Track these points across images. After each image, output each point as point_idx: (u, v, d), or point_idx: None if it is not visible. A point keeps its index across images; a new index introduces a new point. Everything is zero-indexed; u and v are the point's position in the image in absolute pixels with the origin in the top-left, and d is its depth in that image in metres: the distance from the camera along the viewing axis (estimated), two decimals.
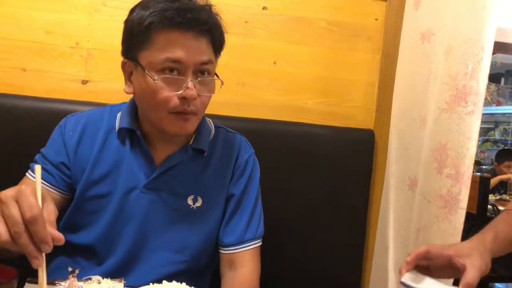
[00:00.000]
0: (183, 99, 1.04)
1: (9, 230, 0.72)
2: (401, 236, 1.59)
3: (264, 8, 1.72)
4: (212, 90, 1.10)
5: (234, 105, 1.73)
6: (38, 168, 0.80)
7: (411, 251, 0.97)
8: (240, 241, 1.22)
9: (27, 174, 1.17)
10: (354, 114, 1.81)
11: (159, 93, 1.04)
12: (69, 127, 1.17)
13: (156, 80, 1.02)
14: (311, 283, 1.70)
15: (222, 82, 1.11)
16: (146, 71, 1.03)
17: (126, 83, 1.12)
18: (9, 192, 0.74)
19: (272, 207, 1.36)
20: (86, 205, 1.16)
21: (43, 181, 1.12)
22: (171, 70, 1.03)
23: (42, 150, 1.19)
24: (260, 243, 1.25)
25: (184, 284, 0.95)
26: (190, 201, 1.18)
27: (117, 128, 1.16)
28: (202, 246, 1.22)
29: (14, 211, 0.72)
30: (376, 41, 1.80)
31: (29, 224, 0.72)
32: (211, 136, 1.23)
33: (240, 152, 1.24)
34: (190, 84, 1.03)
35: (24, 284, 0.97)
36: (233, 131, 1.30)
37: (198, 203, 1.19)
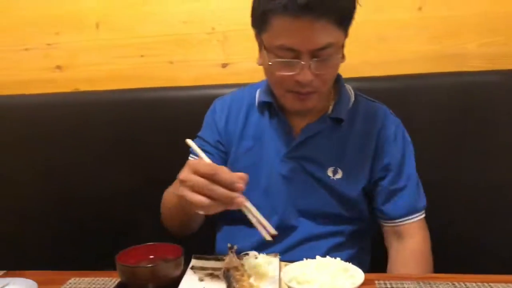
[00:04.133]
0: (297, 81, 1.03)
1: (204, 195, 0.84)
2: None
3: None
4: (333, 67, 1.07)
5: (377, 64, 1.58)
6: (190, 141, 0.98)
7: None
8: (406, 214, 1.17)
9: (189, 158, 1.27)
10: None
11: (274, 73, 1.06)
12: (218, 109, 1.27)
13: (270, 63, 1.04)
14: (482, 257, 1.45)
15: (343, 57, 1.07)
16: (265, 51, 1.06)
17: (259, 53, 1.13)
18: (183, 172, 0.87)
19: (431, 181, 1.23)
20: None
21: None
22: (287, 52, 1.01)
23: (198, 134, 1.29)
24: (424, 214, 1.19)
25: (338, 259, 0.90)
26: (330, 173, 1.16)
27: (256, 102, 1.22)
28: (347, 215, 1.20)
29: (196, 178, 0.84)
30: None
31: (214, 177, 0.83)
32: (350, 104, 1.19)
33: (385, 124, 1.18)
34: (304, 67, 1.01)
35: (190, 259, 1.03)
36: (374, 100, 1.24)
37: (339, 175, 1.16)
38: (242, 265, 0.97)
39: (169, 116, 1.55)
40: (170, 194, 1.18)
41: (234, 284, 0.88)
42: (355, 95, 1.22)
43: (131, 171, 1.47)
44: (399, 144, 1.18)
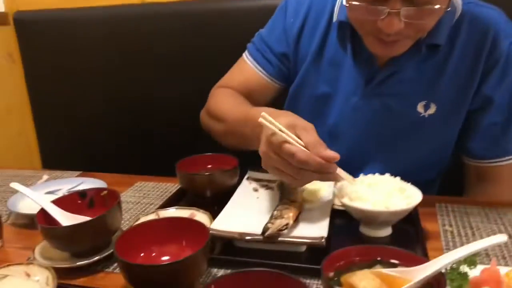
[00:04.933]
0: (381, 28, 0.84)
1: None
2: None
3: None
4: (433, 15, 0.85)
5: None
6: (264, 120, 0.77)
7: None
8: (497, 155, 1.02)
9: (244, 57, 1.16)
10: None
11: (351, 14, 0.90)
12: (291, 10, 1.08)
13: (346, 4, 0.87)
14: None
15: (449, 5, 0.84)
16: None
17: None
18: (268, 149, 0.78)
19: None
20: (303, 106, 1.11)
21: (262, 71, 1.13)
22: None
23: (261, 32, 1.14)
24: None
25: (397, 178, 0.86)
26: (420, 108, 1.00)
27: (335, 19, 1.02)
28: (432, 159, 1.07)
29: (285, 166, 0.77)
30: None
31: (306, 166, 0.75)
32: (453, 21, 0.96)
33: (496, 38, 0.94)
34: (392, 14, 0.81)
35: (246, 172, 1.05)
36: (485, 4, 0.98)
37: (431, 111, 0.99)
38: None
39: (235, 24, 1.50)
40: (236, 115, 1.02)
41: (287, 195, 0.89)
42: (464, 3, 0.96)
43: (196, 81, 1.48)
44: (510, 71, 0.96)
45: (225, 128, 1.08)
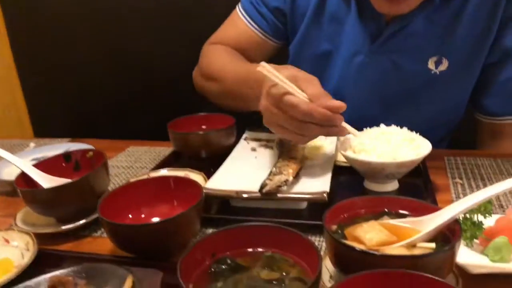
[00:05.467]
0: None
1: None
2: None
3: None
4: None
5: None
6: (263, 68, 0.72)
7: None
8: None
9: (237, 10, 1.08)
10: None
11: None
12: None
13: None
14: None
15: None
16: None
17: None
18: (268, 103, 0.72)
19: None
20: (303, 65, 1.02)
21: (255, 26, 1.06)
22: None
23: None
24: None
25: (405, 129, 0.79)
26: (431, 65, 0.93)
27: None
28: (444, 119, 1.01)
29: (288, 121, 0.71)
30: None
31: (309, 119, 0.70)
32: None
33: None
34: None
35: (243, 132, 1.00)
36: None
37: (443, 67, 0.93)
38: None
39: None
40: (239, 72, 0.96)
41: (286, 153, 0.83)
42: None
43: (192, 43, 1.40)
44: None
45: (221, 89, 1.02)
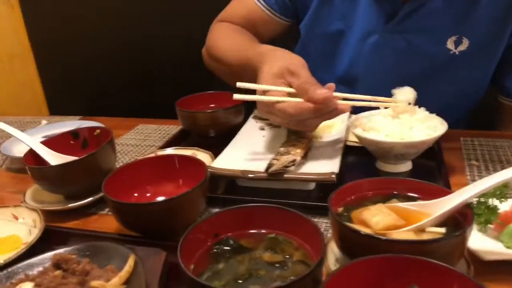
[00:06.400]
0: None
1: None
2: None
3: None
4: None
5: None
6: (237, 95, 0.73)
7: None
8: None
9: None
10: None
11: None
12: None
13: None
14: None
15: None
16: None
17: None
18: (263, 109, 0.74)
19: None
20: (314, 45, 1.01)
21: (263, 4, 1.03)
22: None
23: None
24: None
25: (422, 108, 0.77)
26: (450, 44, 0.89)
27: None
28: (463, 101, 0.98)
29: (283, 121, 0.73)
30: None
31: (301, 117, 0.71)
32: None
33: None
34: None
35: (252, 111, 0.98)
36: None
37: (462, 46, 0.89)
38: None
39: None
40: (239, 49, 0.95)
41: (295, 133, 0.81)
42: None
43: (197, 16, 1.38)
44: None
45: (227, 70, 1.00)
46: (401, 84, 0.85)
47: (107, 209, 0.71)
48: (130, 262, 0.50)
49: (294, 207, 0.52)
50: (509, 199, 0.57)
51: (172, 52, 1.52)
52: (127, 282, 0.49)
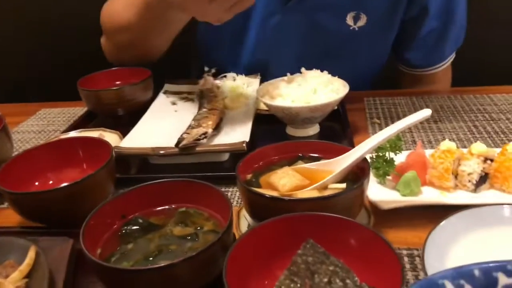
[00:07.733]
0: None
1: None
2: None
3: None
4: None
5: None
6: None
7: None
8: (434, 63, 1.01)
9: None
10: None
11: None
12: None
13: None
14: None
15: None
16: None
17: None
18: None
19: None
20: (222, 30, 0.94)
21: None
22: None
23: None
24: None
25: (325, 72, 0.79)
26: (350, 20, 0.92)
27: None
28: (365, 73, 1.03)
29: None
30: None
31: None
32: None
33: None
34: None
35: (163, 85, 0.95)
36: None
37: (361, 22, 0.92)
38: (218, 87, 0.89)
39: None
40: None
41: (206, 105, 0.81)
42: None
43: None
44: None
45: (132, 35, 0.93)
46: (306, 60, 0.87)
47: (6, 203, 0.66)
48: (31, 254, 0.47)
49: (208, 179, 0.52)
50: (403, 151, 0.62)
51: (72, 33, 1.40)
52: (29, 275, 0.46)
